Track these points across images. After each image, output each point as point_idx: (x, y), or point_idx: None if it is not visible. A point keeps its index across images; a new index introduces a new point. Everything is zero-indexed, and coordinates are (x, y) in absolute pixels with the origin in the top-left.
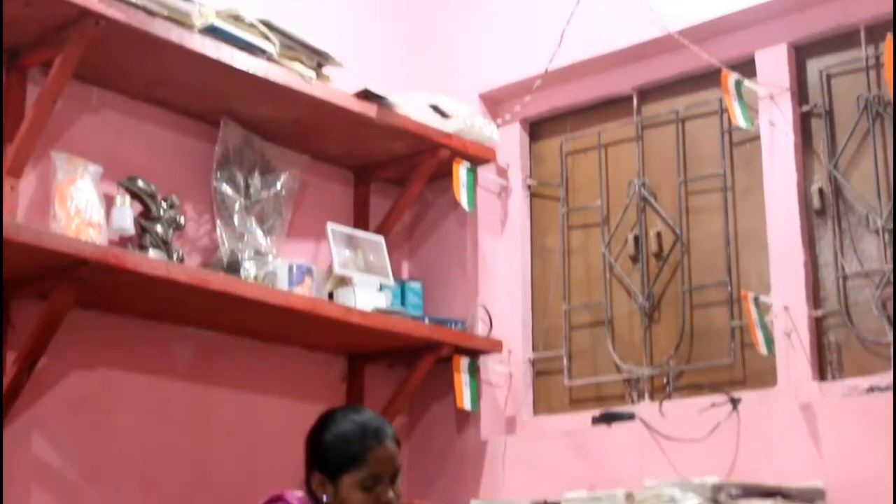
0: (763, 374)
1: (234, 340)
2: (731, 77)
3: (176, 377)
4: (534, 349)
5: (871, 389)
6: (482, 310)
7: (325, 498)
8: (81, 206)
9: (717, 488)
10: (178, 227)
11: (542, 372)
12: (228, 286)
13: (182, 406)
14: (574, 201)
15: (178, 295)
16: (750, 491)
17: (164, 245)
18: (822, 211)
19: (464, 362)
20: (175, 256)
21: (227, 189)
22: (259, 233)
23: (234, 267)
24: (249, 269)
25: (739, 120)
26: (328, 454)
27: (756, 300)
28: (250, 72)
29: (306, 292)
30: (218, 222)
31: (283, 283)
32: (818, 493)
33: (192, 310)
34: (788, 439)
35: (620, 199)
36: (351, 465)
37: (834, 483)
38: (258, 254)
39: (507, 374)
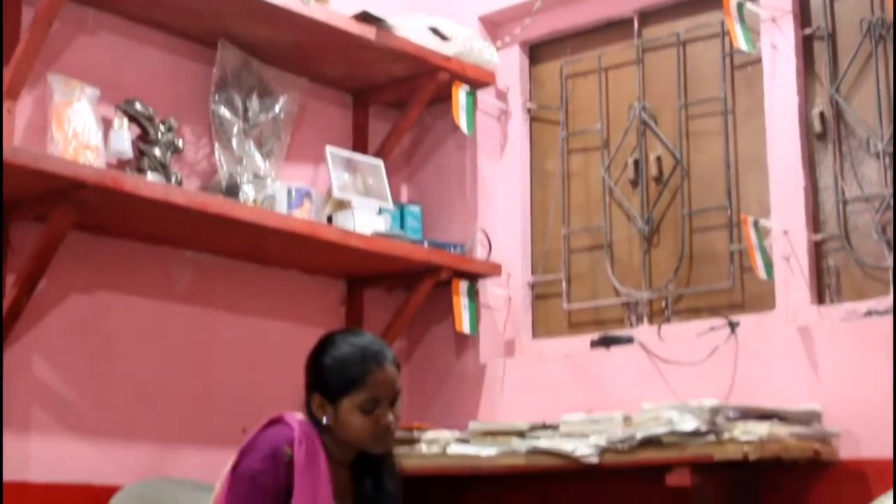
0: (761, 298)
1: (234, 264)
2: None
3: (175, 300)
4: (533, 273)
5: (870, 313)
6: (481, 233)
7: (324, 420)
8: (79, 129)
9: (714, 411)
10: (177, 151)
11: (540, 295)
12: (227, 209)
13: (181, 329)
14: (574, 125)
15: (176, 218)
16: (747, 413)
17: (162, 168)
18: (822, 135)
19: (463, 286)
20: (173, 180)
21: (225, 112)
22: (257, 156)
23: (232, 190)
24: (248, 192)
25: (741, 43)
26: (328, 377)
27: (755, 224)
28: None
29: (305, 216)
30: (216, 146)
31: (281, 207)
32: (815, 416)
33: (190, 233)
34: (786, 363)
35: (620, 123)
36: (351, 387)
37: (830, 406)
38: (257, 177)
39: (506, 297)
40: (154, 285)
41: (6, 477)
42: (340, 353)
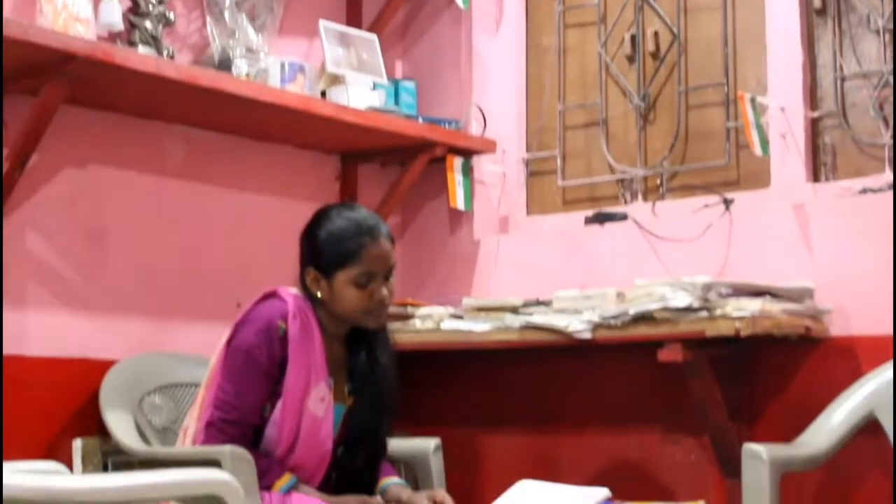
0: (757, 176)
1: (227, 139)
2: None
3: (168, 175)
4: (527, 149)
5: (864, 191)
6: (476, 109)
7: (318, 294)
8: (69, 1)
9: (707, 287)
10: (168, 23)
11: (535, 172)
12: (219, 83)
13: (175, 204)
14: None
15: (168, 92)
16: (740, 290)
17: (153, 41)
18: (822, 10)
19: (457, 162)
20: (165, 53)
21: None
22: (250, 30)
23: (225, 64)
24: (241, 66)
25: None
26: (323, 250)
27: (753, 101)
28: None
29: (298, 90)
30: (208, 19)
31: (275, 81)
32: (807, 293)
33: (182, 107)
34: (780, 240)
35: None
36: (345, 261)
37: (823, 282)
38: (249, 51)
39: (500, 174)
40: (147, 160)
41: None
42: (335, 227)
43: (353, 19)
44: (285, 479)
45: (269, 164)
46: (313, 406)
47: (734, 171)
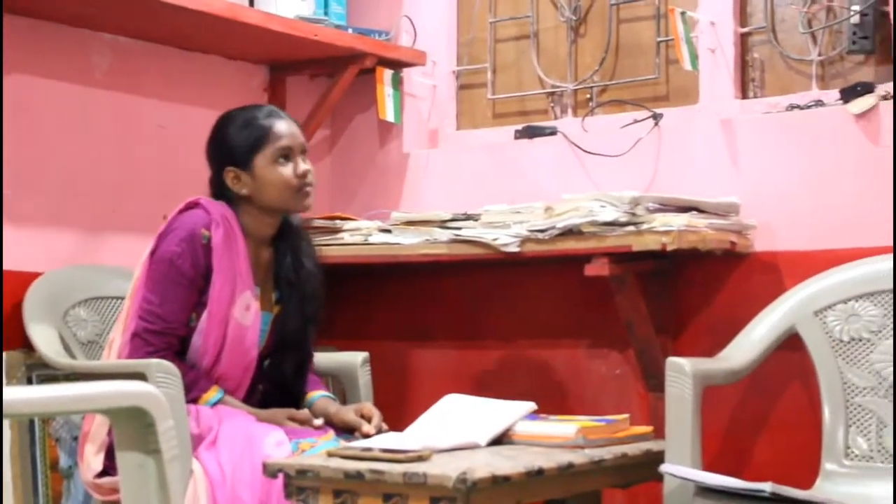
0: (686, 91)
1: (153, 48)
2: None
3: (95, 85)
4: (458, 62)
5: (791, 107)
6: (407, 20)
7: (243, 191)
8: None
9: (634, 202)
10: None
11: (465, 85)
12: None
13: (102, 114)
14: None
15: None
16: (667, 205)
17: None
18: None
19: (387, 74)
20: None
21: None
22: None
23: None
24: None
25: None
26: (233, 143)
27: (683, 15)
28: None
29: None
30: None
31: None
32: (733, 208)
33: (108, 14)
34: (707, 155)
35: None
36: (259, 143)
37: (749, 198)
38: None
39: (430, 86)
40: (74, 69)
41: None
42: (238, 119)
43: None
44: (212, 393)
45: (196, 75)
46: (239, 315)
47: (664, 86)
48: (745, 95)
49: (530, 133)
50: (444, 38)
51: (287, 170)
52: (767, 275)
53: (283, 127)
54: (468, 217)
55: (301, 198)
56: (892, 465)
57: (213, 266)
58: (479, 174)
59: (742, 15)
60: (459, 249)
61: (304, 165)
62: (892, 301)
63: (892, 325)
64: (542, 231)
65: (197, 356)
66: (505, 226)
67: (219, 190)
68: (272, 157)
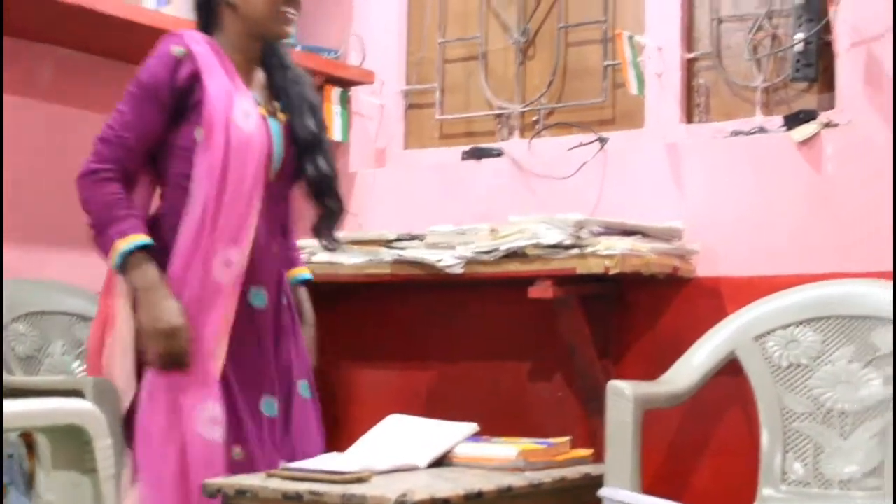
0: (632, 115)
1: (99, 61)
2: None
3: (37, 97)
4: (406, 82)
5: (735, 133)
6: (356, 39)
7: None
8: None
9: (579, 225)
10: None
11: (413, 105)
12: (91, 2)
13: (43, 127)
14: None
15: (37, 9)
16: (611, 228)
17: None
18: None
19: (335, 92)
20: None
21: None
22: None
23: None
24: None
25: None
26: None
27: (630, 39)
28: None
29: (174, 13)
30: None
31: (149, 3)
32: (676, 233)
33: (52, 26)
34: (652, 179)
35: None
36: None
37: (692, 223)
38: None
39: (378, 105)
40: (14, 80)
41: None
42: None
43: None
44: (128, 241)
45: None
46: (240, 120)
47: (610, 109)
48: (690, 120)
49: (477, 154)
50: (394, 58)
51: None
52: (709, 299)
53: None
54: (413, 237)
55: (283, 20)
56: (827, 492)
57: (200, 70)
58: (425, 194)
59: (688, 40)
60: (404, 270)
61: None
62: (830, 328)
63: (830, 352)
64: (486, 253)
65: (203, 171)
66: (450, 247)
67: (203, 2)
68: None
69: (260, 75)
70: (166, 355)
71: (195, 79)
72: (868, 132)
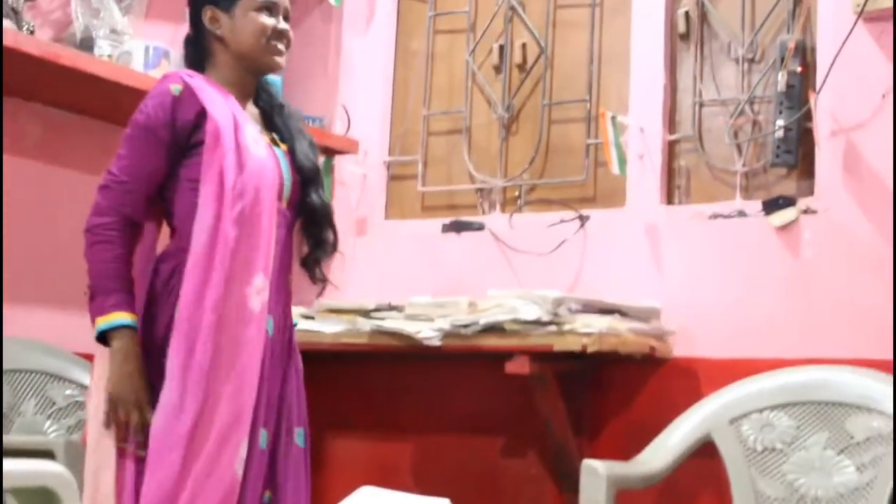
0: (613, 194)
1: (87, 121)
2: None
3: (24, 155)
4: (390, 152)
5: (715, 216)
6: (341, 108)
7: (217, 31)
8: None
9: (557, 302)
10: None
11: (396, 176)
12: (80, 63)
13: (30, 185)
14: (442, 5)
15: (27, 68)
16: (589, 306)
17: (14, 14)
18: (686, 35)
19: (319, 160)
20: (25, 28)
21: None
22: (116, 10)
23: (87, 44)
24: (103, 47)
25: None
26: None
27: (613, 119)
28: None
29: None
30: None
31: (138, 65)
32: (654, 313)
33: (41, 86)
34: (632, 259)
35: (489, 7)
36: None
37: (670, 304)
38: (114, 32)
39: (361, 175)
40: (5, 138)
41: None
42: None
43: None
44: (108, 319)
45: None
46: (251, 146)
47: (591, 187)
48: (670, 201)
49: (458, 227)
50: (378, 129)
51: (267, 21)
52: (685, 381)
53: None
54: (392, 308)
55: (272, 52)
56: None
57: (202, 100)
58: (405, 265)
59: (671, 123)
60: (381, 340)
61: (284, 25)
62: (805, 414)
63: (805, 437)
64: (465, 326)
65: (210, 177)
66: (428, 319)
67: (195, 36)
68: (254, 6)
69: (254, 110)
70: (123, 425)
71: (198, 113)
72: (846, 219)
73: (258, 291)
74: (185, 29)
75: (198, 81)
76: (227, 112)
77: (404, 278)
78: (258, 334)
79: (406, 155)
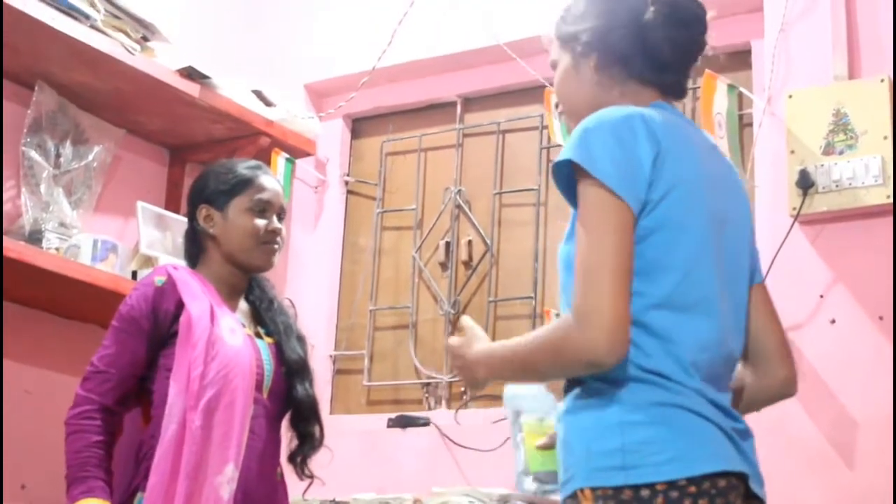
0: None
1: (32, 314)
2: (554, 95)
3: None
4: (336, 347)
5: None
6: (288, 303)
7: (210, 230)
8: None
9: (503, 499)
10: None
11: (342, 370)
12: (27, 256)
13: None
14: (390, 202)
15: None
16: None
17: None
18: None
19: None
20: None
21: (35, 156)
22: (66, 204)
23: (35, 237)
24: (52, 240)
25: (558, 137)
26: (215, 183)
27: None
28: (71, 36)
29: (109, 269)
30: (23, 189)
31: (86, 258)
32: None
33: None
34: None
35: (436, 205)
36: (239, 188)
37: None
38: (63, 226)
39: None
40: None
41: None
42: (227, 164)
43: (173, 201)
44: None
45: (70, 342)
46: (226, 336)
47: None
48: None
49: (403, 422)
50: (324, 322)
51: (260, 222)
52: None
53: (268, 182)
54: None
55: (265, 252)
56: None
57: (181, 292)
58: (349, 461)
59: None
60: None
61: (277, 224)
62: None
63: None
64: None
65: (181, 404)
66: None
67: (191, 231)
68: (248, 206)
69: (244, 305)
70: None
71: (178, 304)
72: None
73: (229, 481)
74: (133, 225)
75: (181, 274)
76: (204, 305)
77: (348, 474)
78: None
79: (352, 349)
